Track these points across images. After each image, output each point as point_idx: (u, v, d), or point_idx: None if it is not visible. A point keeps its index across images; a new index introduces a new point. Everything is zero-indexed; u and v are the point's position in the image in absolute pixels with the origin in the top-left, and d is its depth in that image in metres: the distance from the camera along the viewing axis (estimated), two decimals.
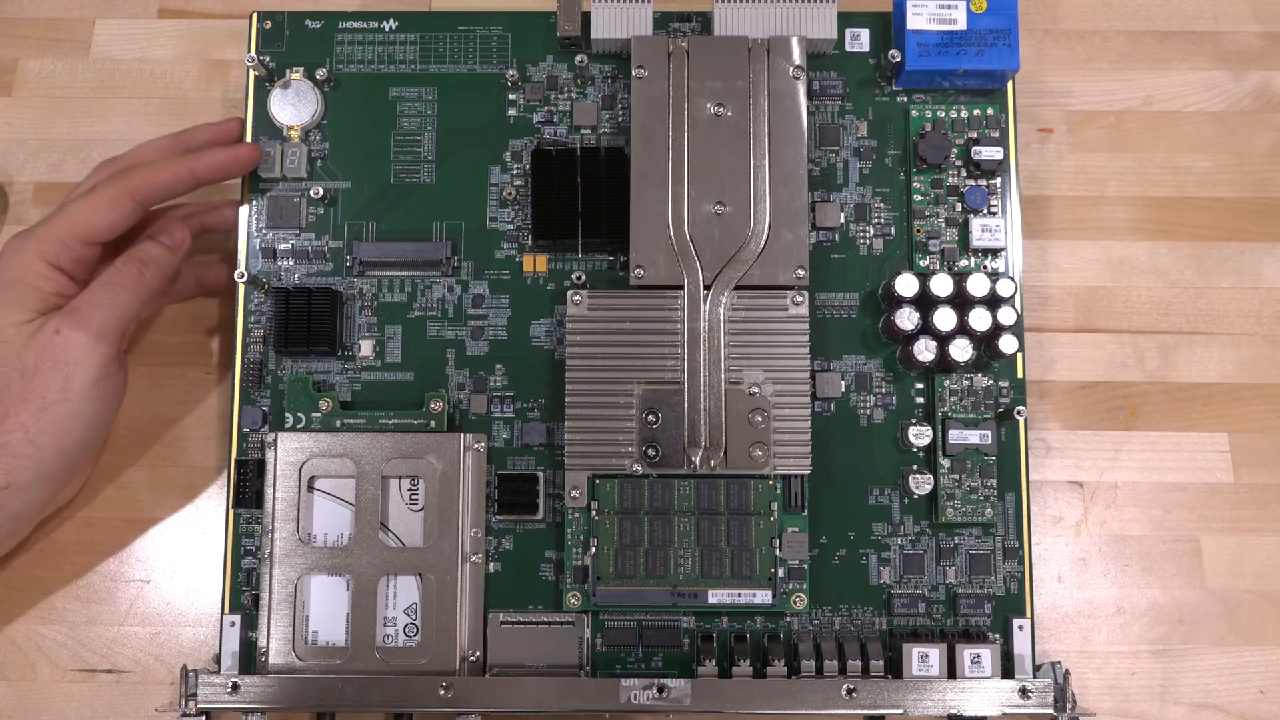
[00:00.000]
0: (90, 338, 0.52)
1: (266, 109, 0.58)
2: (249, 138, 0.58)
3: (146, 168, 0.55)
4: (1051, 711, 0.52)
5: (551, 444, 0.56)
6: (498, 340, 0.57)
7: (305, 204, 0.58)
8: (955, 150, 0.58)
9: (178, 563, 0.58)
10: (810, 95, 0.59)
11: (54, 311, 0.53)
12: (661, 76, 0.56)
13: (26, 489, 0.52)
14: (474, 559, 0.54)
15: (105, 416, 0.54)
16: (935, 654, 0.53)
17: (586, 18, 0.58)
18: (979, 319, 0.55)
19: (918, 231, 0.58)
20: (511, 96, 0.59)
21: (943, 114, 0.58)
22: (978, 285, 0.55)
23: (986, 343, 0.56)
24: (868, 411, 0.57)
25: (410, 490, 0.55)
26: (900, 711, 0.52)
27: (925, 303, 0.55)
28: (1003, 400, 0.57)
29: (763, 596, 0.54)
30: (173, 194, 0.55)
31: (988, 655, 0.53)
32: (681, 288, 0.55)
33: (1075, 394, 0.60)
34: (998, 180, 0.58)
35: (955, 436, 0.55)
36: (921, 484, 0.56)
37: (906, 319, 0.55)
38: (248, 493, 0.55)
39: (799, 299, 0.55)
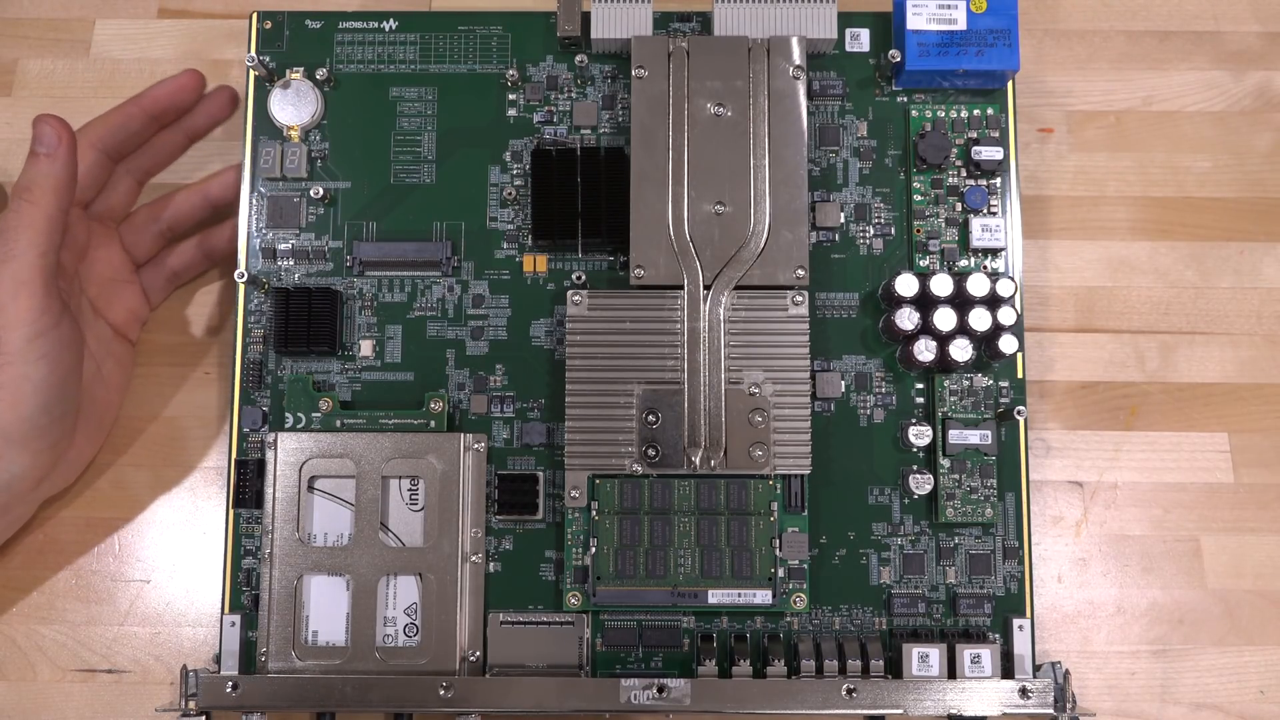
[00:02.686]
0: (6, 296, 0.50)
1: (266, 109, 0.58)
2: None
3: (100, 116, 0.57)
4: (1051, 711, 0.52)
5: (551, 444, 0.56)
6: (498, 340, 0.57)
7: (305, 204, 0.58)
8: (955, 150, 0.58)
9: (178, 563, 0.58)
10: (810, 95, 0.59)
11: None
12: (661, 76, 0.56)
13: (1, 458, 0.51)
14: (474, 559, 0.54)
15: (61, 376, 0.51)
16: (935, 654, 0.53)
17: (586, 18, 0.58)
18: (979, 319, 0.55)
19: (918, 231, 0.58)
20: (511, 96, 0.59)
21: (943, 114, 0.59)
22: (978, 285, 0.55)
23: (986, 343, 0.56)
24: (868, 411, 0.57)
25: (410, 490, 0.55)
26: (900, 711, 0.52)
27: (925, 303, 0.55)
28: (1003, 400, 0.57)
29: (763, 596, 0.54)
30: (128, 132, 0.57)
31: (988, 655, 0.53)
32: (681, 288, 0.55)
33: (1075, 394, 0.60)
34: (998, 180, 0.58)
35: (955, 436, 0.55)
36: (921, 484, 0.56)
37: (906, 319, 0.55)
38: (248, 493, 0.55)
39: (799, 299, 0.55)
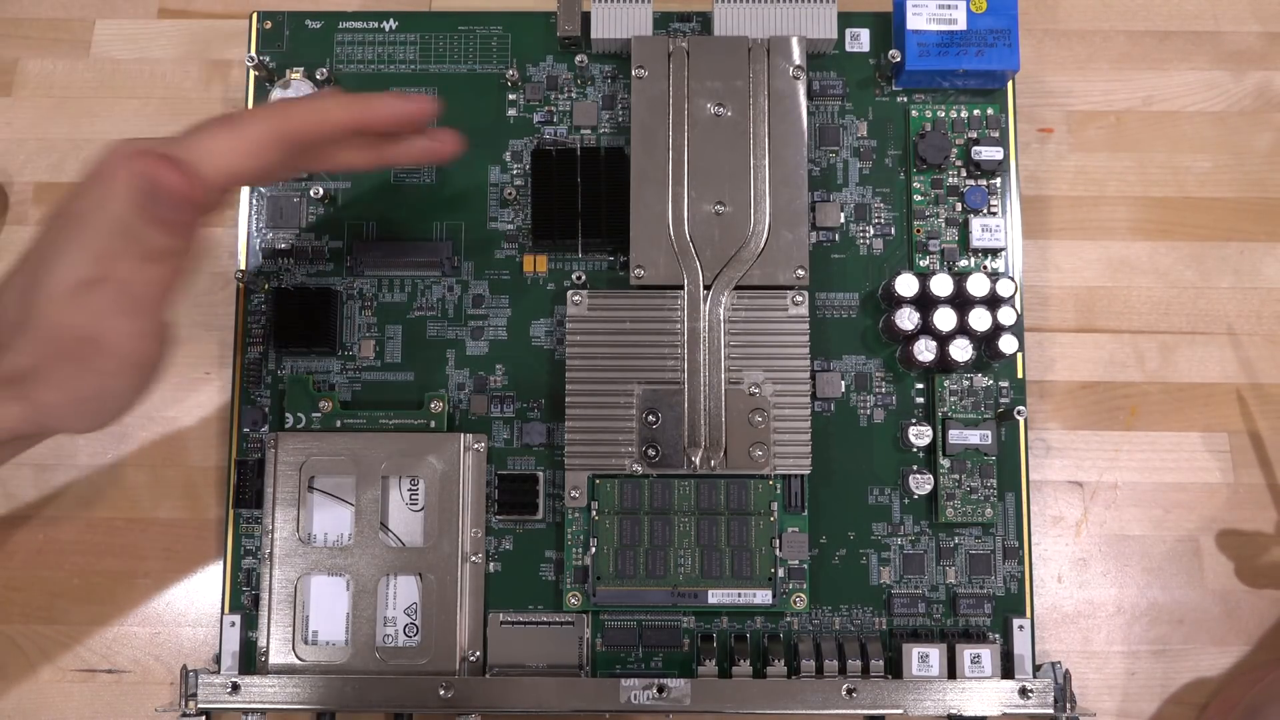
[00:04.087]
0: (123, 349, 0.45)
1: None
2: None
3: (311, 109, 0.46)
4: (1051, 711, 0.52)
5: (551, 444, 0.56)
6: (498, 340, 0.57)
7: (305, 204, 0.58)
8: (955, 150, 0.58)
9: (178, 563, 0.58)
10: (810, 95, 0.59)
11: None
12: (661, 76, 0.56)
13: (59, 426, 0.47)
14: (474, 559, 0.54)
15: (118, 410, 0.47)
16: (935, 654, 0.53)
17: (586, 18, 0.58)
18: (979, 319, 0.55)
19: (918, 231, 0.58)
20: (511, 96, 0.59)
21: (943, 114, 0.59)
22: (978, 285, 0.55)
23: (986, 343, 0.56)
24: (868, 411, 0.57)
25: (410, 490, 0.55)
26: (900, 711, 0.52)
27: (925, 303, 0.55)
28: (1003, 400, 0.57)
29: (763, 596, 0.54)
30: (323, 135, 0.47)
31: (988, 655, 0.53)
32: (681, 288, 0.55)
33: (1075, 394, 0.60)
34: (998, 180, 0.58)
35: (955, 436, 0.55)
36: (921, 484, 0.56)
37: (906, 319, 0.55)
38: (248, 493, 0.55)
39: (799, 299, 0.55)
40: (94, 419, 0.47)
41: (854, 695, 0.52)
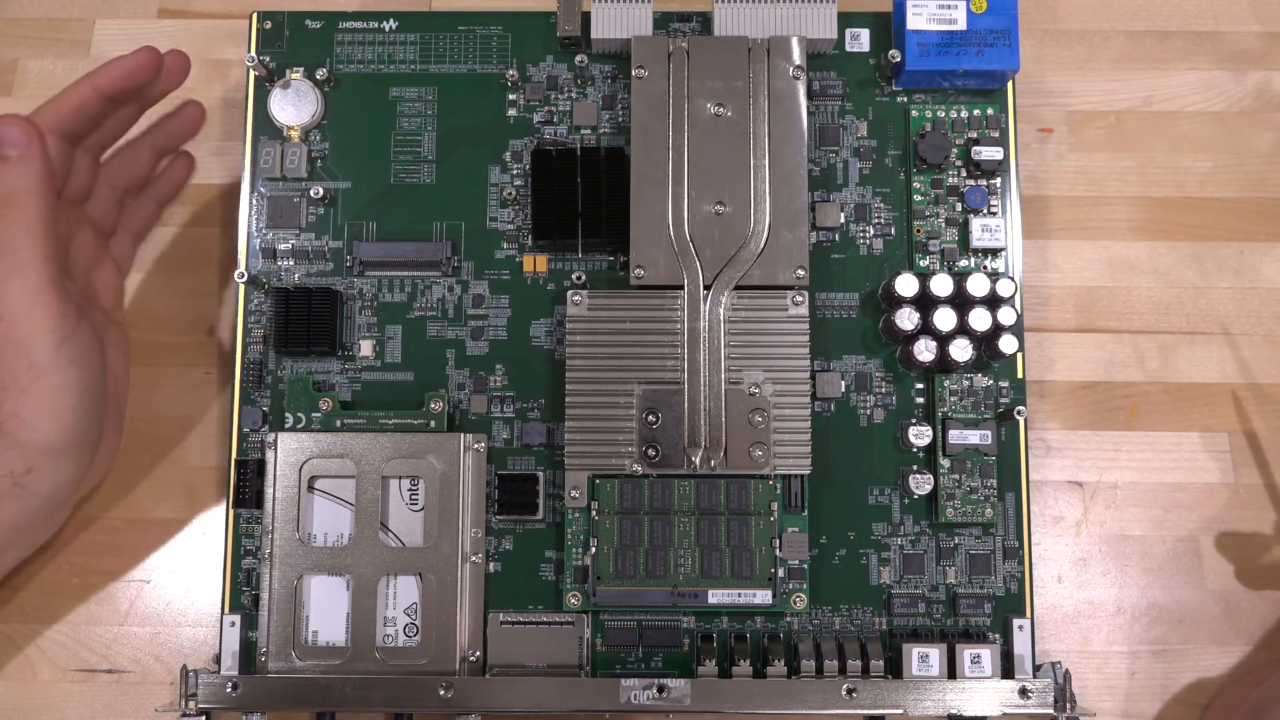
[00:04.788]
0: (22, 308, 0.48)
1: (266, 109, 0.58)
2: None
3: (53, 101, 0.52)
4: (1051, 711, 0.52)
5: (551, 444, 0.56)
6: (498, 340, 0.57)
7: (305, 204, 0.58)
8: (955, 150, 0.58)
9: (178, 563, 0.58)
10: (810, 95, 0.59)
11: None
12: (661, 76, 0.56)
13: (46, 470, 0.49)
14: (474, 559, 0.54)
15: (93, 378, 0.50)
16: (935, 654, 0.53)
17: (586, 18, 0.58)
18: (979, 319, 0.55)
19: (918, 231, 0.58)
20: (511, 96, 0.59)
21: (943, 114, 0.59)
22: (978, 285, 0.55)
23: (986, 343, 0.56)
24: (868, 411, 0.57)
25: (410, 490, 0.55)
26: (900, 711, 0.52)
27: (925, 303, 0.55)
28: (1003, 400, 0.57)
29: (763, 596, 0.54)
30: (86, 116, 0.53)
31: (988, 655, 0.53)
32: (681, 288, 0.55)
33: (1075, 394, 0.60)
34: (998, 180, 0.58)
35: (955, 436, 0.55)
36: (921, 484, 0.56)
37: (906, 319, 0.55)
38: (248, 493, 0.55)
39: (799, 299, 0.55)
40: (44, 427, 0.49)
41: (854, 695, 0.52)
